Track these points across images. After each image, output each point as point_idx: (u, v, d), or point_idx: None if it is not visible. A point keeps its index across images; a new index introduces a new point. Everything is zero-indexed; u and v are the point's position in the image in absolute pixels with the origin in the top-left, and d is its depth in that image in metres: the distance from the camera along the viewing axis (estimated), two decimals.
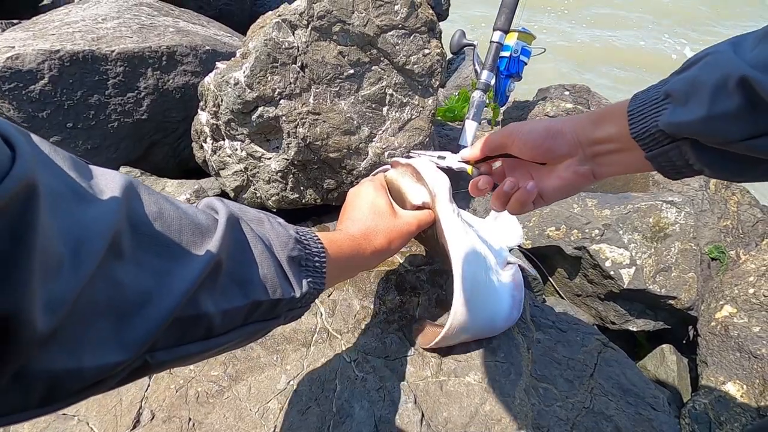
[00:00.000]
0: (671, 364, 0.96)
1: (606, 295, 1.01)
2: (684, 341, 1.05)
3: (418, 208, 0.60)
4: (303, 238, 0.40)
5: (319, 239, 0.42)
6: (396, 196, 0.63)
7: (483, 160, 0.52)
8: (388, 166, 0.64)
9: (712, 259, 1.18)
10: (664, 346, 0.99)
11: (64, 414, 0.56)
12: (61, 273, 0.20)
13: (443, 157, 0.59)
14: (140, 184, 0.28)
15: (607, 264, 0.98)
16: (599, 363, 0.64)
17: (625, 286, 0.96)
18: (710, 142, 0.31)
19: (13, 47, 0.91)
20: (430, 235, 0.65)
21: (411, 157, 0.66)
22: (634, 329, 1.00)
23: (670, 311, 0.98)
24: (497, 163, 0.52)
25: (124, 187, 0.26)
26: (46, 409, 0.22)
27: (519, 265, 0.72)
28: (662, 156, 0.35)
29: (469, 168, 0.54)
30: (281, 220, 0.40)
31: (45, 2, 1.61)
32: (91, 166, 0.26)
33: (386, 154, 0.89)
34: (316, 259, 0.40)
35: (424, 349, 0.62)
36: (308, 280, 0.39)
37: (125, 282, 0.24)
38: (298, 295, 0.37)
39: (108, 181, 0.25)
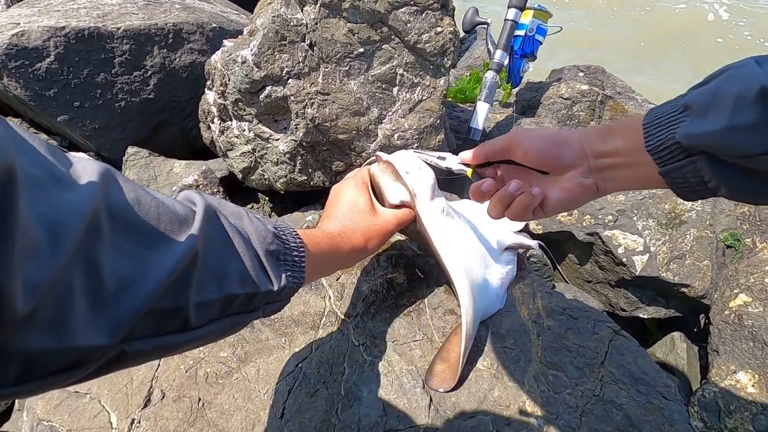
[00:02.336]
0: (681, 351, 0.95)
1: (617, 282, 1.00)
2: (695, 329, 1.04)
3: (398, 206, 0.59)
4: (281, 233, 0.41)
5: (297, 235, 0.42)
6: (378, 192, 0.62)
7: (484, 165, 0.51)
8: (377, 152, 0.63)
9: (727, 246, 1.15)
10: (674, 333, 0.98)
11: (76, 391, 0.57)
12: (38, 255, 0.21)
13: (443, 158, 0.58)
14: (117, 172, 0.28)
15: (620, 250, 0.96)
16: (610, 351, 0.63)
17: (637, 273, 0.94)
18: (729, 156, 0.30)
19: (18, 23, 0.90)
20: (413, 230, 0.64)
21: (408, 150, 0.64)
22: (645, 317, 0.99)
23: (682, 299, 0.97)
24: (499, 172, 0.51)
25: (101, 173, 0.26)
26: (19, 388, 0.22)
27: (521, 246, 0.72)
28: (677, 171, 0.34)
29: (469, 171, 0.53)
30: (260, 216, 0.40)
31: None
32: (67, 153, 0.26)
33: (396, 135, 0.87)
34: (295, 253, 0.40)
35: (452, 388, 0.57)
36: (287, 273, 0.39)
37: (102, 266, 0.24)
38: (275, 288, 0.37)
39: (85, 168, 0.26)
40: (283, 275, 0.38)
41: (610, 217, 0.98)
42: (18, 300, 0.19)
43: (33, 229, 0.20)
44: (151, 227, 0.28)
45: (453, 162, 0.55)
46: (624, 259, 0.95)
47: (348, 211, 0.55)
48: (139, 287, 0.26)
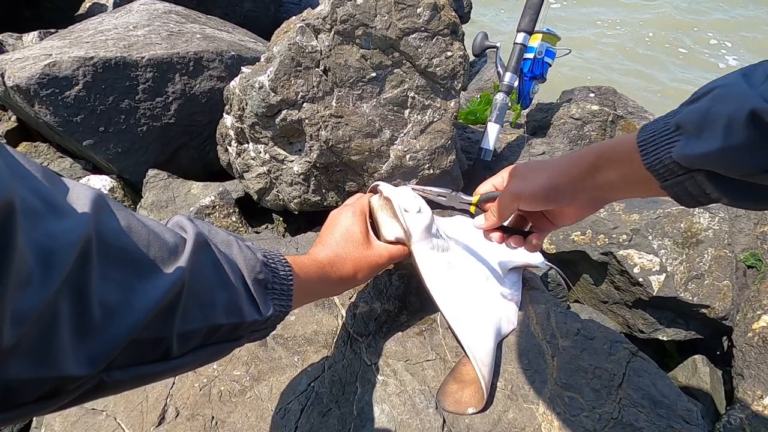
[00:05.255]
0: (704, 375, 0.92)
1: (634, 303, 0.98)
2: (717, 352, 1.00)
3: (393, 242, 0.60)
4: (270, 261, 0.40)
5: (287, 262, 0.42)
6: (375, 224, 0.63)
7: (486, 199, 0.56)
8: (380, 183, 0.63)
9: (749, 266, 1.12)
10: (696, 356, 0.95)
11: (93, 408, 0.58)
12: (29, 285, 0.20)
13: (443, 196, 0.59)
14: (110, 199, 0.28)
15: (636, 270, 0.95)
16: (628, 372, 0.62)
17: (654, 294, 0.93)
18: (729, 174, 0.31)
19: (50, 55, 0.95)
20: (407, 265, 0.65)
21: (410, 185, 0.66)
22: (664, 338, 0.97)
23: (702, 320, 0.94)
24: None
25: (93, 200, 0.26)
26: None
27: (526, 266, 0.72)
28: (678, 186, 0.34)
29: (471, 207, 0.55)
30: (250, 243, 0.40)
31: (80, 12, 1.67)
32: (62, 179, 0.26)
33: (408, 156, 0.88)
34: (284, 282, 0.40)
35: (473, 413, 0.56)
36: (275, 302, 0.39)
37: (90, 295, 0.24)
38: (262, 318, 0.37)
39: (79, 194, 0.26)
40: (271, 304, 0.38)
41: (624, 236, 0.97)
42: (5, 332, 0.19)
43: (27, 261, 0.20)
44: (140, 256, 0.28)
45: (454, 200, 0.57)
46: (640, 279, 0.94)
47: (341, 239, 0.55)
48: (125, 318, 0.25)
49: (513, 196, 0.49)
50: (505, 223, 0.54)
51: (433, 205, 0.64)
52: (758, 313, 0.90)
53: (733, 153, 0.29)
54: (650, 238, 0.96)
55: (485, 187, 0.56)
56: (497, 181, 0.55)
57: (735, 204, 0.33)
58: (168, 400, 0.58)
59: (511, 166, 0.52)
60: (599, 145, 0.41)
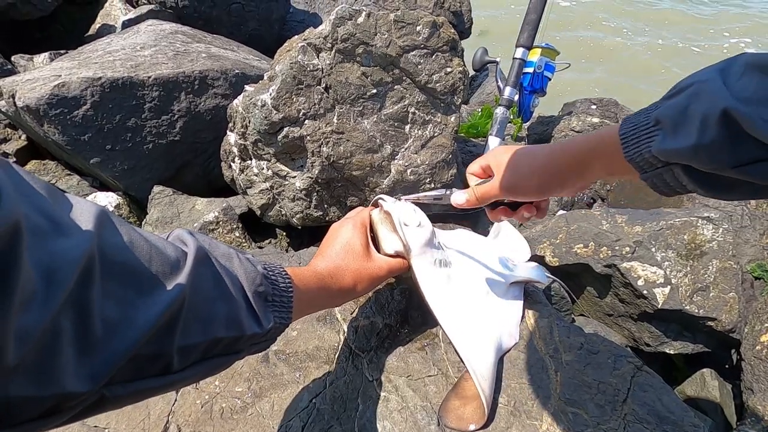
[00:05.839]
0: (713, 389, 0.91)
1: (639, 316, 0.97)
2: (726, 366, 0.99)
3: (393, 256, 0.61)
4: (271, 274, 0.41)
5: (287, 275, 0.42)
6: (375, 238, 0.63)
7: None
8: (381, 197, 0.64)
9: (756, 278, 1.11)
10: (704, 370, 0.94)
11: (95, 426, 0.58)
12: (33, 304, 0.20)
13: (439, 198, 0.60)
14: (112, 215, 0.28)
15: (640, 283, 0.94)
16: (633, 387, 0.61)
17: (659, 306, 0.92)
18: (702, 168, 0.32)
19: (60, 76, 0.98)
20: (407, 279, 0.65)
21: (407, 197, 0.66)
22: (671, 352, 0.95)
23: (709, 333, 0.93)
24: None
25: (96, 216, 0.26)
26: None
27: (527, 282, 0.72)
28: (657, 177, 0.36)
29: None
30: (250, 256, 0.40)
31: (90, 33, 1.72)
32: (66, 195, 0.27)
33: (409, 171, 0.89)
34: (284, 294, 0.41)
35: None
36: (275, 315, 0.39)
37: (91, 312, 0.24)
38: (262, 330, 0.37)
39: (82, 211, 0.26)
40: (271, 316, 0.38)
41: (627, 249, 0.96)
42: (9, 351, 0.19)
43: (32, 280, 0.20)
44: (142, 271, 0.28)
45: (448, 201, 0.58)
46: (644, 292, 0.93)
47: (342, 251, 0.55)
48: (126, 334, 0.26)
49: (505, 191, 0.50)
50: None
51: (434, 217, 0.64)
52: (766, 325, 0.89)
53: (705, 150, 0.30)
54: (653, 250, 0.96)
55: (473, 168, 0.57)
56: (484, 164, 0.55)
57: (709, 194, 0.34)
58: (170, 417, 0.58)
59: (500, 149, 0.53)
60: (585, 142, 0.43)
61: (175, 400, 0.60)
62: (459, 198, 0.56)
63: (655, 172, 0.36)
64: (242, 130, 0.89)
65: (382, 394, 0.59)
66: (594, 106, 1.58)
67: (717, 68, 0.31)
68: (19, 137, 1.19)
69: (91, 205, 0.27)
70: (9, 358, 0.19)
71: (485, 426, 0.55)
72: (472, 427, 0.54)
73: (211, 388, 0.60)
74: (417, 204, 0.64)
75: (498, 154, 0.51)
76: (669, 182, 0.36)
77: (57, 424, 0.25)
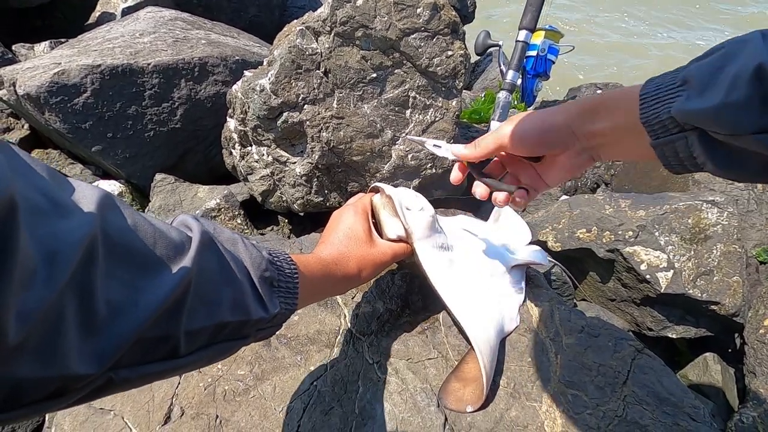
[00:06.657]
0: (715, 373, 0.91)
1: (642, 300, 0.97)
2: (729, 350, 0.98)
3: (396, 240, 0.60)
4: (276, 259, 0.40)
5: (292, 261, 0.42)
6: (377, 223, 0.63)
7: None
8: (380, 184, 0.63)
9: (761, 262, 1.10)
10: (707, 354, 0.94)
11: (101, 408, 0.59)
12: (34, 284, 0.20)
13: (438, 146, 0.58)
14: (116, 198, 0.28)
15: (643, 267, 0.93)
16: (633, 370, 0.61)
17: (662, 291, 0.91)
18: (719, 132, 0.30)
19: (60, 63, 0.98)
20: (410, 264, 0.65)
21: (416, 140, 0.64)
22: (674, 336, 0.95)
23: (712, 317, 0.93)
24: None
25: (99, 199, 0.26)
26: (3, 415, 0.22)
27: (528, 264, 0.72)
28: (668, 145, 0.34)
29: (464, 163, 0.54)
30: (255, 242, 0.40)
31: (90, 21, 1.71)
32: (68, 179, 0.26)
33: (410, 156, 0.89)
34: (289, 279, 0.40)
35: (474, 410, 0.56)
36: (280, 300, 0.39)
37: (95, 294, 0.24)
38: (268, 315, 0.37)
39: (84, 194, 0.26)
40: (277, 302, 0.38)
41: (631, 233, 0.96)
42: (10, 330, 0.19)
43: (31, 258, 0.20)
44: (146, 254, 0.27)
45: (448, 152, 0.55)
46: (647, 276, 0.92)
47: (345, 238, 0.55)
48: (130, 316, 0.25)
49: (502, 134, 0.46)
50: (493, 182, 0.52)
51: (435, 203, 0.64)
52: None
53: (729, 109, 0.28)
54: (657, 234, 0.95)
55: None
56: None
57: (719, 171, 0.32)
58: (174, 399, 0.59)
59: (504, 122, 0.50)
60: (603, 93, 0.40)
61: (179, 382, 0.60)
62: (458, 148, 0.53)
63: (668, 138, 0.33)
64: (242, 115, 0.89)
65: (383, 376, 0.59)
66: (599, 91, 1.55)
67: (759, 31, 0.29)
68: (22, 126, 1.19)
69: (93, 188, 0.27)
70: (10, 337, 0.19)
71: (483, 407, 0.55)
72: (470, 408, 0.55)
73: (214, 371, 0.61)
74: (418, 189, 0.63)
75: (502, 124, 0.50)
76: (679, 153, 0.33)
77: (64, 405, 0.25)
